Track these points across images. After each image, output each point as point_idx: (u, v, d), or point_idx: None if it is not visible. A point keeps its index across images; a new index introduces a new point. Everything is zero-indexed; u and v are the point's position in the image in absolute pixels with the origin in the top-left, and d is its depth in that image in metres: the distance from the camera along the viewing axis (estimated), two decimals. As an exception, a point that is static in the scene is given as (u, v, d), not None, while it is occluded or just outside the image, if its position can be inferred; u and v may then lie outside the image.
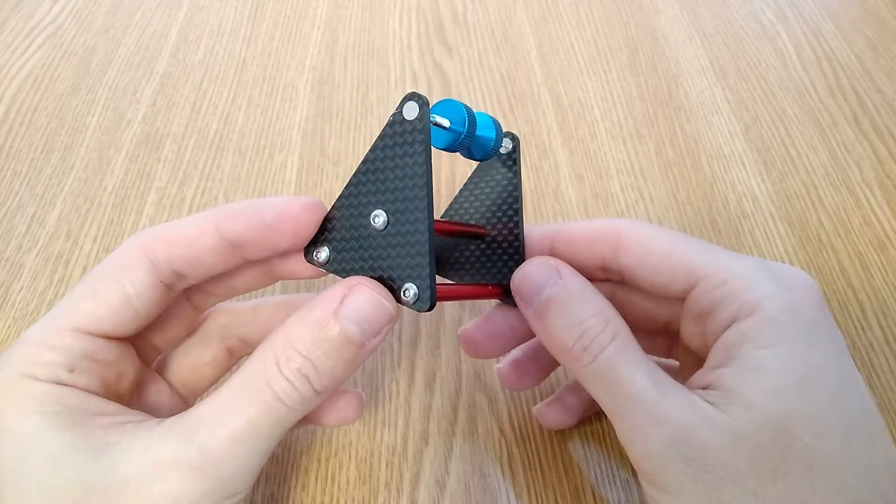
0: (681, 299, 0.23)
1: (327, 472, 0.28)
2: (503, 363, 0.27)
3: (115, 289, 0.21)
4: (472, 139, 0.22)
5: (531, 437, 0.29)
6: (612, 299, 0.25)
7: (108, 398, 0.21)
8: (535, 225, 0.25)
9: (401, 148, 0.20)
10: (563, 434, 0.29)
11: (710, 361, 0.21)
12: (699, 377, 0.21)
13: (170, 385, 0.25)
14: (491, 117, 0.23)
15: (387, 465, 0.28)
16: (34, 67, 0.45)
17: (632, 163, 0.40)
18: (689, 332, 0.23)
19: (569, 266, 0.23)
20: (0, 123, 0.41)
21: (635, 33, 0.48)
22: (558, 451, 0.28)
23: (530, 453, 0.28)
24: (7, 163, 0.39)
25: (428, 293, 0.20)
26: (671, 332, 0.25)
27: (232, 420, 0.19)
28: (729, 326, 0.21)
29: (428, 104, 0.19)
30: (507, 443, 0.29)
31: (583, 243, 0.24)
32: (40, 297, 0.33)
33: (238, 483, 0.20)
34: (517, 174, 0.25)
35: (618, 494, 0.27)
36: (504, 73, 0.45)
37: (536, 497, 0.27)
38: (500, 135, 0.23)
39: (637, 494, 0.27)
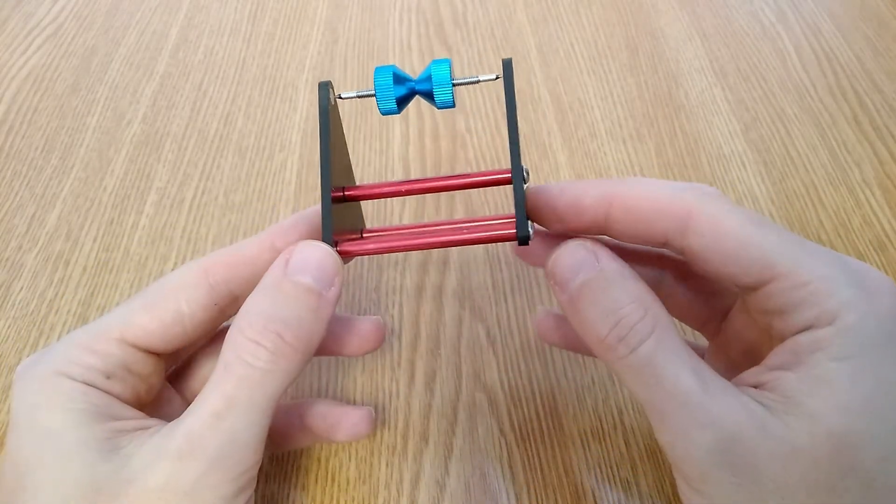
0: (748, 288, 0.21)
1: (327, 472, 0.28)
2: (542, 313, 0.27)
3: (170, 306, 0.21)
4: (408, 92, 0.24)
5: (531, 437, 0.29)
6: (658, 286, 0.24)
7: (133, 407, 0.22)
8: (592, 182, 0.22)
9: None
10: (563, 434, 0.29)
11: (769, 361, 0.20)
12: (753, 374, 0.20)
13: (181, 395, 0.25)
14: (440, 61, 0.23)
15: (387, 465, 0.28)
16: (34, 67, 0.45)
17: (632, 163, 0.40)
18: (744, 323, 0.22)
19: (607, 249, 0.21)
20: (0, 123, 0.41)
21: (635, 33, 0.48)
22: (558, 451, 0.28)
23: (530, 453, 0.28)
24: (7, 163, 0.39)
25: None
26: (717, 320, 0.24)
27: (210, 400, 0.20)
28: (801, 331, 0.19)
29: (326, 87, 0.22)
30: (507, 443, 0.29)
31: (645, 215, 0.21)
32: (40, 297, 0.33)
33: (234, 462, 0.20)
34: (510, 105, 0.22)
35: (618, 494, 0.27)
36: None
37: (536, 497, 0.27)
38: (443, 72, 0.23)
39: (637, 495, 0.27)
